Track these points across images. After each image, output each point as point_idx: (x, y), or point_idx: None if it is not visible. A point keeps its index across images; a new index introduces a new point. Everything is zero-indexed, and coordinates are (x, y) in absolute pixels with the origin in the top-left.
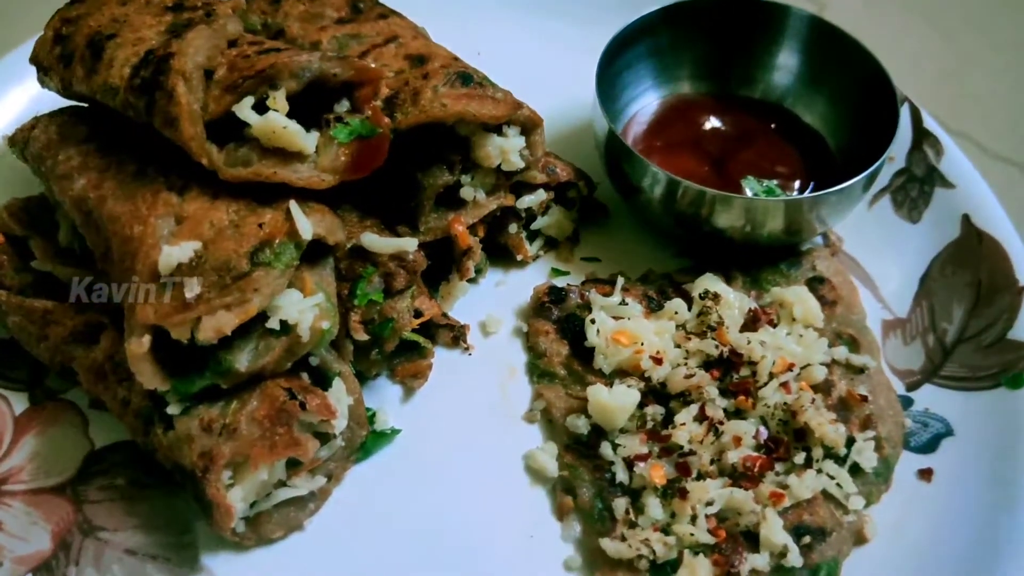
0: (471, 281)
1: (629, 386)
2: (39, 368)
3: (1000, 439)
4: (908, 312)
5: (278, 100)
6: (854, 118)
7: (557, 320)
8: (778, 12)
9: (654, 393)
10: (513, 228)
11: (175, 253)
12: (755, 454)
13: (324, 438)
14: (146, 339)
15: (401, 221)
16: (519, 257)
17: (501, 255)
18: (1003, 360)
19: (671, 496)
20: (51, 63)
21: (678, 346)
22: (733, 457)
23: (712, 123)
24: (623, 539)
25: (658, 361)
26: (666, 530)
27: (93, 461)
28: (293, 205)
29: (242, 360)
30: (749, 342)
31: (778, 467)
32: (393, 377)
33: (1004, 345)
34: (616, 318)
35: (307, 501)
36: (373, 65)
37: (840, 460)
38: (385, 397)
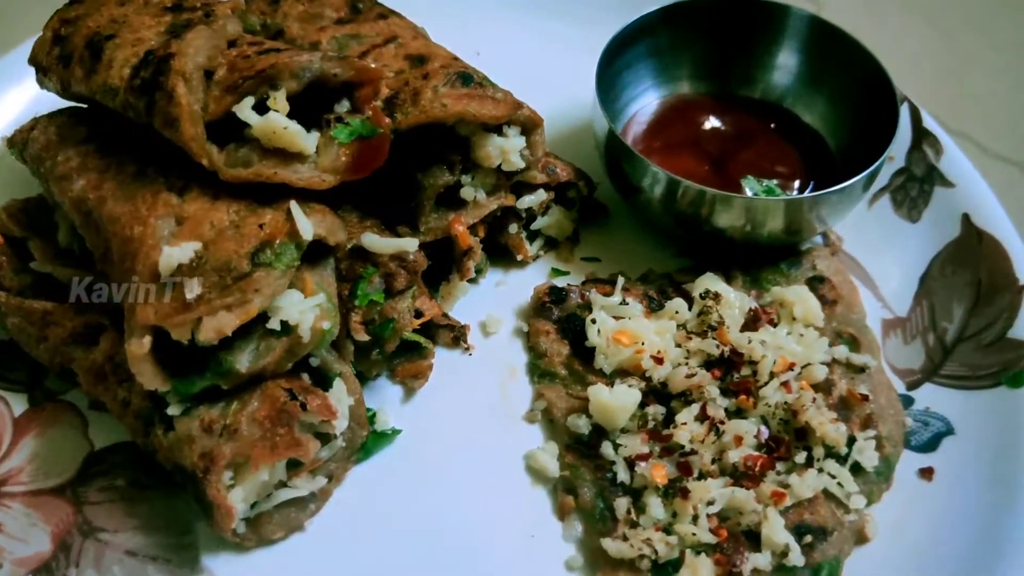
0: (471, 281)
1: (630, 386)
2: (38, 369)
3: (1001, 438)
4: (908, 311)
5: (279, 100)
6: (854, 118)
7: (558, 320)
8: (778, 12)
9: (655, 393)
10: (513, 228)
11: (175, 254)
12: (756, 453)
13: (325, 439)
14: (147, 340)
15: (401, 221)
16: (519, 257)
17: (501, 255)
18: (1003, 359)
19: (672, 496)
20: (50, 64)
21: (679, 346)
22: (734, 456)
23: (712, 123)
24: (625, 539)
25: (659, 361)
26: (668, 530)
27: (93, 462)
28: (294, 205)
29: (243, 361)
30: (750, 341)
31: (779, 466)
32: (393, 377)
33: (1004, 344)
34: (617, 318)
35: (308, 502)
36: (373, 65)
37: (841, 459)
38: (386, 397)
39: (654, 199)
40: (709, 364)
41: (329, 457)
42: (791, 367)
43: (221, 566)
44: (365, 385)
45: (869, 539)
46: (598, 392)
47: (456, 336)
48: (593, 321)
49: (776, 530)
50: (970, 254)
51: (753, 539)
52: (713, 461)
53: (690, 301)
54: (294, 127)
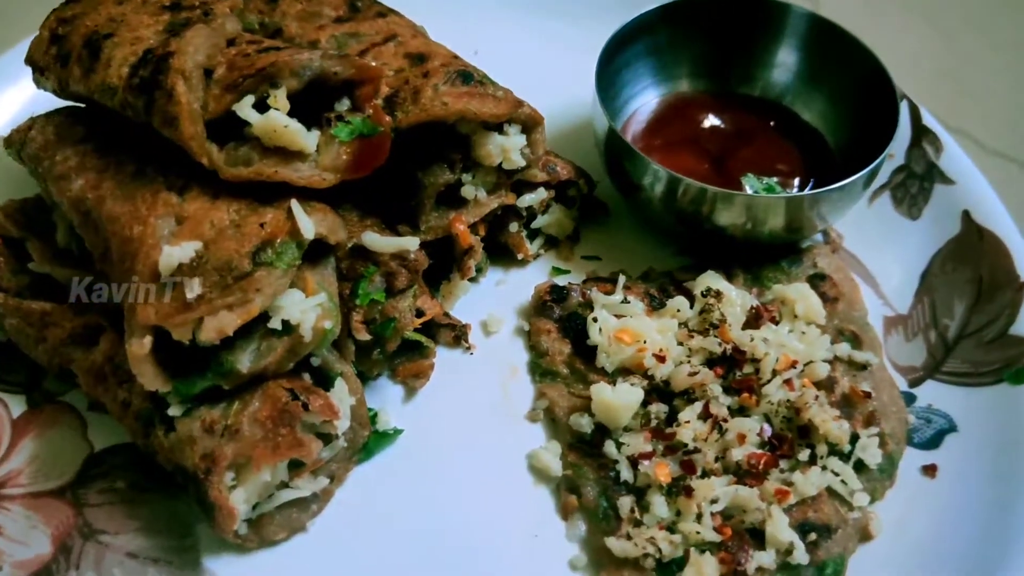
0: (472, 280)
1: (632, 384)
2: (37, 370)
3: (1003, 434)
4: (909, 308)
5: (279, 99)
6: (853, 116)
7: (559, 319)
8: (777, 10)
9: (657, 391)
10: (514, 227)
11: (176, 253)
12: (759, 451)
13: (326, 439)
14: (147, 340)
15: (402, 220)
16: (520, 256)
17: (501, 254)
18: (1005, 355)
19: (676, 494)
20: (47, 63)
21: (681, 344)
22: (738, 455)
23: (711, 121)
24: (628, 538)
25: (661, 359)
26: (672, 528)
27: (93, 464)
28: (295, 204)
29: (244, 361)
30: (752, 339)
31: (782, 464)
32: (395, 377)
33: (1006, 341)
34: (618, 316)
35: (310, 502)
36: (373, 64)
37: (844, 457)
38: (387, 397)
39: (654, 197)
40: (711, 362)
41: (331, 457)
42: (793, 365)
43: (222, 567)
44: (366, 385)
45: (873, 536)
46: (600, 391)
47: (457, 335)
48: (595, 320)
49: (780, 528)
50: (971, 251)
51: (757, 537)
52: (716, 459)
53: (691, 299)
54: (295, 125)
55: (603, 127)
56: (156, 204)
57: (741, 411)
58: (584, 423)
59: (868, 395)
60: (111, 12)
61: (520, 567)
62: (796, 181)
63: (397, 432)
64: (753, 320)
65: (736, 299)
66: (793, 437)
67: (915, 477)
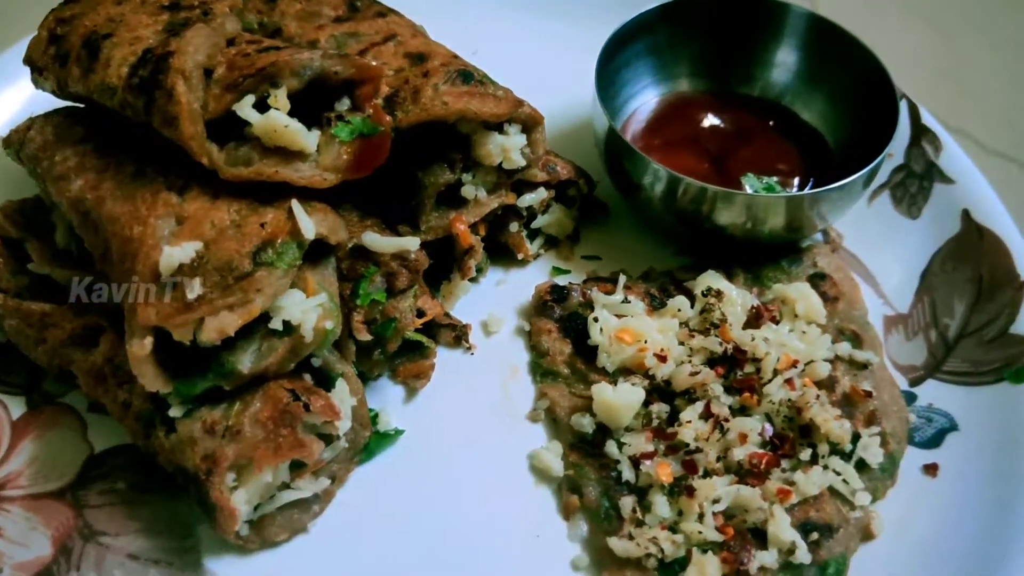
0: (472, 280)
1: (633, 384)
2: (36, 372)
3: (1004, 433)
4: (910, 308)
5: (279, 98)
6: (853, 115)
7: (559, 319)
8: (777, 9)
9: (659, 391)
10: (514, 227)
11: (176, 253)
12: (761, 451)
13: (328, 439)
14: (148, 341)
15: (402, 220)
16: (520, 256)
17: (501, 254)
18: (1005, 355)
19: (678, 494)
20: (46, 63)
21: (681, 344)
22: (739, 454)
23: (711, 121)
24: (631, 538)
25: (662, 359)
26: (674, 528)
27: (93, 465)
28: (295, 204)
29: (245, 361)
30: (753, 339)
31: (784, 464)
32: (395, 378)
33: (1006, 340)
34: (619, 316)
35: (311, 503)
36: (373, 63)
37: (846, 456)
38: (387, 398)
39: (655, 197)
40: (712, 362)
41: (332, 458)
42: (794, 364)
43: (224, 569)
44: (367, 385)
45: (875, 536)
46: (602, 391)
47: (458, 335)
48: (595, 319)
49: (782, 528)
50: (971, 250)
51: (759, 537)
52: (718, 459)
53: (692, 299)
54: (295, 125)
55: (603, 127)
56: (156, 204)
57: (742, 411)
58: (585, 423)
59: (869, 394)
60: (110, 12)
61: (522, 567)
62: (796, 181)
63: (398, 433)
64: (754, 320)
65: (737, 299)
66: (794, 436)
67: (916, 476)
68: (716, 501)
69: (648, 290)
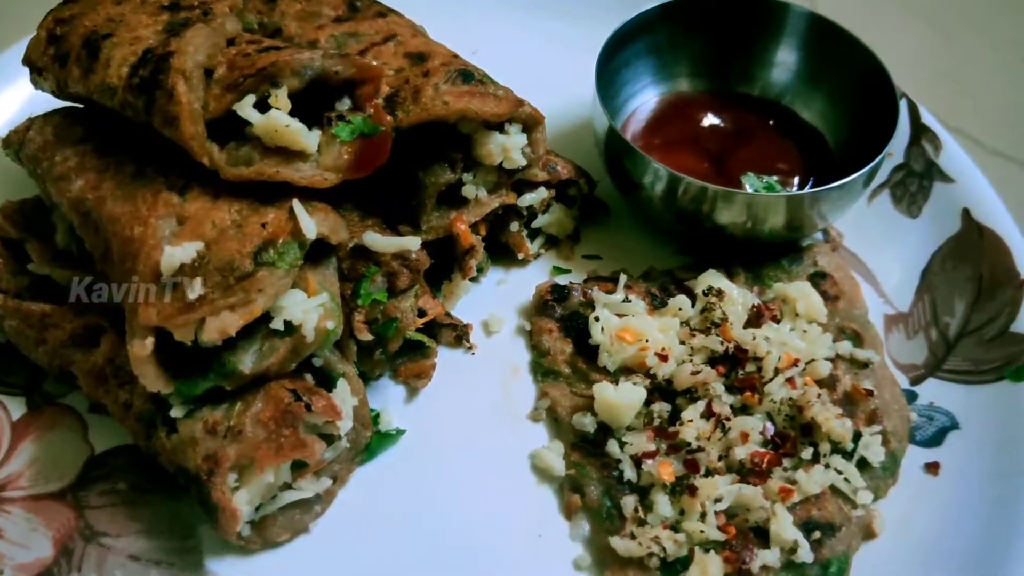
0: (473, 280)
1: (635, 383)
2: (36, 372)
3: (1005, 432)
4: (910, 306)
5: (280, 98)
6: (852, 114)
7: (560, 318)
8: (777, 9)
9: (660, 390)
10: (514, 226)
11: (177, 254)
12: (763, 450)
13: (329, 439)
14: (149, 341)
15: (403, 220)
16: (520, 256)
17: (502, 254)
18: (1006, 353)
19: (680, 493)
20: (45, 64)
21: (683, 343)
22: (741, 453)
23: (711, 120)
24: (632, 537)
25: (663, 358)
26: (676, 527)
27: (93, 466)
28: (296, 204)
29: (246, 361)
30: (754, 338)
31: (786, 463)
32: (396, 377)
33: (1006, 338)
34: (620, 315)
35: (312, 504)
36: (374, 63)
37: (847, 455)
38: (389, 398)
39: (655, 196)
40: (713, 361)
41: (333, 458)
42: (795, 363)
43: (225, 569)
44: (368, 385)
45: (876, 534)
46: (603, 390)
47: (459, 335)
48: (596, 319)
49: (784, 526)
50: (971, 249)
51: (762, 536)
52: (720, 458)
53: (693, 298)
54: (296, 125)
55: (603, 126)
56: (157, 204)
57: (744, 410)
58: (587, 422)
59: (870, 393)
60: (109, 12)
61: (524, 567)
62: (796, 180)
63: (399, 433)
64: (754, 319)
65: (737, 298)
66: (796, 435)
67: (918, 475)
68: (718, 500)
69: (649, 289)
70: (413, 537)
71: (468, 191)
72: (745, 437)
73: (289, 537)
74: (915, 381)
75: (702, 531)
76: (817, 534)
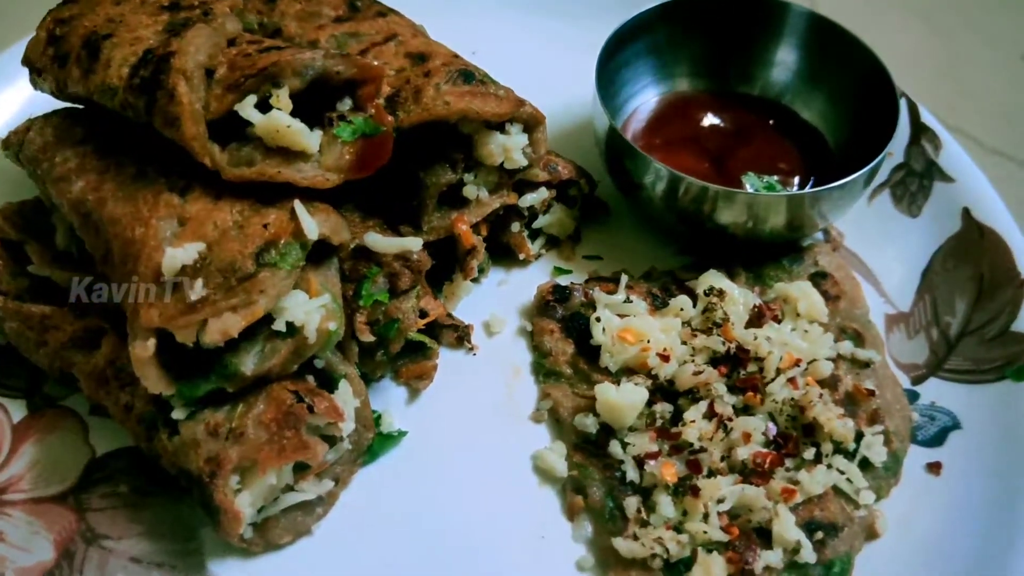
0: (474, 281)
1: (636, 384)
2: (37, 375)
3: (1006, 431)
4: (911, 306)
5: (281, 98)
6: (852, 114)
7: (561, 319)
8: (776, 8)
9: (662, 391)
10: (515, 227)
11: (179, 255)
12: (765, 450)
13: (331, 441)
14: (151, 342)
15: (404, 221)
16: (521, 256)
17: (503, 254)
18: (1007, 353)
19: (683, 494)
20: (45, 64)
21: (684, 343)
22: (743, 453)
23: (711, 120)
24: (635, 538)
25: (665, 358)
26: (678, 528)
27: (95, 468)
28: (298, 205)
29: (248, 363)
30: (755, 338)
31: (788, 463)
32: (398, 379)
33: (1007, 338)
34: (621, 316)
35: (315, 505)
36: (375, 63)
37: (849, 455)
38: (390, 399)
39: (656, 196)
40: (715, 361)
41: (335, 460)
42: (797, 363)
43: (227, 571)
44: (369, 387)
45: (879, 535)
46: (605, 391)
47: (460, 336)
48: (598, 319)
49: (787, 527)
50: (971, 248)
51: (764, 536)
52: (722, 459)
53: (694, 298)
54: (297, 125)
55: (603, 126)
56: (158, 205)
57: (746, 410)
58: (589, 423)
59: (872, 393)
60: (109, 12)
61: (526, 569)
62: (796, 180)
63: (401, 434)
64: (756, 319)
65: (739, 298)
66: (798, 436)
67: (920, 475)
68: (721, 501)
69: (650, 290)
70: (415, 538)
71: (469, 191)
72: (747, 437)
73: (291, 539)
74: (916, 381)
75: (705, 532)
76: (820, 534)
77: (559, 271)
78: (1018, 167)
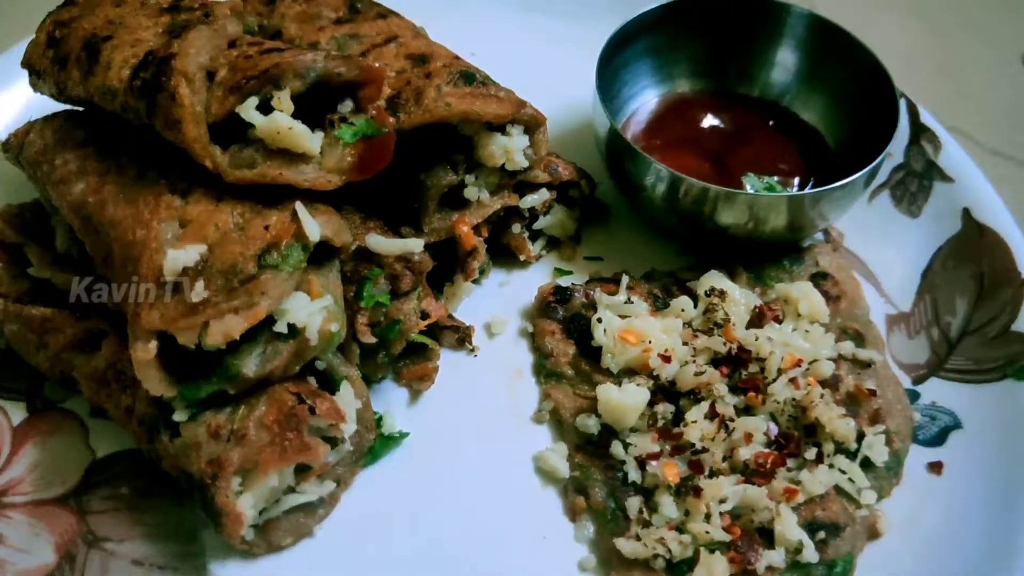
0: (475, 282)
1: (638, 384)
2: (37, 377)
3: (1008, 431)
4: (911, 306)
5: (283, 100)
6: (852, 114)
7: (563, 320)
8: (776, 9)
9: (663, 391)
10: (516, 228)
11: (180, 257)
12: (767, 450)
13: (333, 443)
14: (152, 345)
15: (405, 222)
16: (522, 257)
17: (504, 255)
18: (1008, 352)
19: (685, 494)
20: (45, 66)
21: (685, 344)
22: (745, 454)
23: (711, 121)
24: (638, 538)
25: (666, 359)
26: (681, 528)
27: (95, 471)
28: (299, 206)
29: (250, 365)
30: (757, 338)
31: (790, 463)
32: (399, 380)
33: (1008, 337)
34: (622, 317)
35: (316, 507)
36: (376, 64)
37: (851, 455)
38: (392, 400)
39: (656, 197)
40: (716, 362)
41: (337, 461)
42: (798, 363)
43: (229, 573)
44: (370, 388)
45: (881, 534)
46: (607, 391)
47: (461, 337)
48: (599, 320)
49: (789, 527)
50: (971, 248)
51: (767, 536)
52: (724, 459)
53: (695, 299)
54: (299, 127)
55: (604, 127)
56: (159, 207)
57: (747, 410)
58: (591, 424)
59: (873, 393)
60: (109, 14)
61: (529, 569)
62: (796, 180)
63: (403, 435)
64: (757, 319)
65: (740, 298)
66: (800, 436)
67: (921, 474)
68: (723, 501)
69: (651, 290)
70: (417, 540)
71: (470, 193)
72: (749, 438)
73: (293, 541)
74: (917, 381)
75: (707, 532)
76: (822, 534)
77: (560, 272)
78: (1018, 167)
